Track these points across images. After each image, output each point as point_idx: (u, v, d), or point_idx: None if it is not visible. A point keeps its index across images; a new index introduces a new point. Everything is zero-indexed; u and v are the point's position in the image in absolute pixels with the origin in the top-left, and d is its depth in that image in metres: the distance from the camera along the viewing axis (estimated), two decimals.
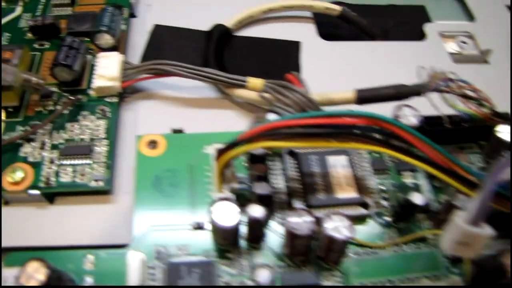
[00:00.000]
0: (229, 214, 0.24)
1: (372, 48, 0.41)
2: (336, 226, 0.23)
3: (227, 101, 0.36)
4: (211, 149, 0.30)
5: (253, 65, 0.39)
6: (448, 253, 0.24)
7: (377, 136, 0.25)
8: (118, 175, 0.31)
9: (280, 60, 0.40)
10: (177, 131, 0.32)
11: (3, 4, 0.41)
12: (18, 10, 0.41)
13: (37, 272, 0.22)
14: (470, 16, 0.46)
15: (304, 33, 0.42)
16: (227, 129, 0.30)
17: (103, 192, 0.30)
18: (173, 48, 0.40)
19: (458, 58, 0.42)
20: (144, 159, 0.30)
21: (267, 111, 0.32)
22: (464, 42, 0.42)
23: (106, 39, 0.36)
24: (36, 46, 0.38)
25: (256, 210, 0.24)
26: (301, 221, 0.23)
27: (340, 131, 0.25)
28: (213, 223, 0.24)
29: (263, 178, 0.27)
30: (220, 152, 0.26)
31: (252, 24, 0.42)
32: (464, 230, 0.21)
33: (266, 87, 0.32)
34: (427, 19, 0.46)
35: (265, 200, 0.25)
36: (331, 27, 0.44)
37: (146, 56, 0.39)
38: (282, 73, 0.34)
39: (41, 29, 0.38)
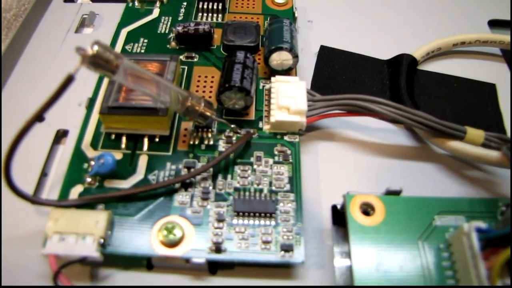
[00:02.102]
0: None
1: None
2: None
3: (423, 151, 0.28)
4: (443, 221, 0.22)
5: (444, 107, 0.31)
6: None
7: None
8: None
9: (476, 104, 0.31)
10: (394, 193, 0.23)
11: (138, 4, 0.33)
12: (155, 12, 0.33)
13: None
14: None
15: (495, 73, 0.33)
16: (430, 189, 0.25)
17: (287, 265, 0.22)
18: (347, 76, 0.31)
19: None
20: (359, 228, 0.21)
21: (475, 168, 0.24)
22: None
23: (285, 59, 0.27)
24: (182, 58, 0.30)
25: None
26: None
27: None
28: None
29: None
30: (498, 241, 0.18)
31: (437, 58, 0.34)
32: None
33: (488, 141, 0.24)
34: None
35: None
36: None
37: (317, 83, 0.30)
38: (479, 121, 0.28)
39: (191, 38, 0.30)
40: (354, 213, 0.22)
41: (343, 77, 0.31)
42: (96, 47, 0.19)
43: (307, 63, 0.32)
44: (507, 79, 0.33)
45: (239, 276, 0.22)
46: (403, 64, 0.31)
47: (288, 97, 0.26)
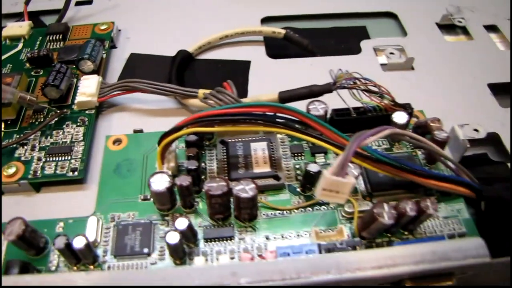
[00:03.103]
0: (162, 182, 0.32)
1: (311, 63, 0.49)
2: (243, 188, 0.31)
3: (183, 110, 0.44)
4: None
5: (210, 82, 0.47)
6: (319, 199, 0.31)
7: (280, 120, 0.32)
8: (91, 169, 0.39)
9: (232, 77, 0.47)
10: (137, 131, 0.40)
11: (7, 41, 0.51)
12: (20, 45, 0.51)
13: (17, 227, 0.30)
14: (404, 33, 0.54)
15: (255, 54, 0.50)
16: None
17: (77, 181, 0.38)
18: (144, 71, 0.48)
19: (386, 67, 0.49)
20: (109, 153, 0.38)
21: None
22: (392, 53, 0.50)
23: (87, 64, 0.45)
24: (32, 73, 0.47)
25: (184, 179, 0.32)
26: (215, 185, 0.31)
27: (252, 118, 0.33)
28: (150, 190, 0.32)
29: (194, 157, 0.34)
30: (162, 137, 0.34)
31: (212, 49, 0.51)
32: (329, 179, 0.28)
33: (207, 94, 0.40)
34: (367, 37, 0.54)
35: (193, 173, 0.33)
36: (279, 48, 0.52)
37: (121, 78, 0.47)
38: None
39: (36, 59, 0.47)
40: (109, 145, 0.39)
41: (141, 72, 0.48)
42: None
43: (121, 66, 0.49)
44: (264, 56, 0.50)
45: (53, 192, 0.39)
46: (178, 57, 0.48)
47: (86, 87, 0.43)
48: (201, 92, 0.42)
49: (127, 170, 0.37)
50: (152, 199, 0.34)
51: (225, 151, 0.36)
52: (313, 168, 0.33)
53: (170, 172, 0.33)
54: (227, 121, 0.33)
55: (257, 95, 0.41)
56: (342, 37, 0.55)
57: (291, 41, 0.51)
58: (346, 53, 0.51)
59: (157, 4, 0.58)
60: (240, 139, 0.37)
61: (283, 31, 0.50)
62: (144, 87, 0.43)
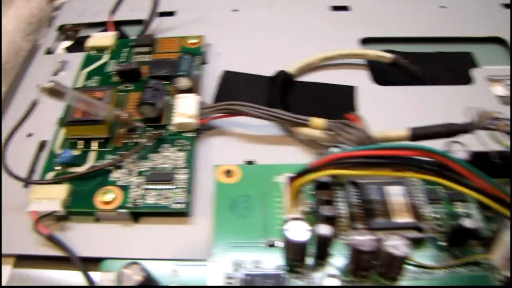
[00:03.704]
0: (301, 231, 0.27)
1: (422, 92, 0.44)
2: (395, 244, 0.26)
3: (290, 138, 0.40)
4: (281, 178, 0.34)
5: (313, 107, 0.43)
6: (500, 269, 0.27)
7: (430, 167, 0.28)
8: (195, 200, 0.35)
9: (337, 103, 0.44)
10: (249, 162, 0.36)
11: (94, 52, 0.47)
12: (105, 57, 0.47)
13: (135, 274, 0.26)
14: None
15: (359, 79, 0.46)
16: (292, 162, 0.34)
17: (182, 214, 0.34)
18: (240, 91, 0.44)
19: (506, 100, 0.44)
20: (221, 186, 0.34)
21: (326, 147, 0.35)
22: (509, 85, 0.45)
23: (184, 82, 0.40)
24: (121, 88, 0.43)
25: (325, 229, 0.27)
26: (365, 239, 0.26)
27: (397, 162, 0.28)
28: (287, 239, 0.27)
29: (329, 202, 0.30)
30: (293, 179, 0.30)
31: (311, 71, 0.47)
32: None
33: (328, 125, 0.36)
34: (474, 65, 0.49)
35: (330, 221, 0.29)
36: (383, 73, 0.47)
37: (217, 98, 0.43)
38: (339, 115, 0.38)
39: (126, 73, 0.43)
40: (219, 176, 0.34)
41: (237, 92, 0.44)
42: (50, 83, 0.33)
43: (214, 84, 0.45)
44: (368, 81, 0.46)
45: (153, 223, 0.35)
46: (279, 78, 0.44)
47: (184, 107, 0.39)
48: (316, 121, 0.38)
49: (244, 208, 0.32)
50: (284, 249, 0.30)
51: (358, 194, 0.32)
52: (469, 224, 0.29)
53: (304, 219, 0.29)
54: (372, 165, 0.28)
55: (383, 131, 0.36)
56: (448, 64, 0.50)
57: (399, 66, 0.46)
58: (455, 82, 0.47)
59: (246, 18, 0.54)
60: (372, 181, 0.33)
61: (391, 56, 0.46)
62: (250, 112, 0.38)
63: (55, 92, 0.33)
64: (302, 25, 0.52)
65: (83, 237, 0.34)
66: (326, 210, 0.29)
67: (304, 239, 0.27)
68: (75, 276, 0.32)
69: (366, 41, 0.51)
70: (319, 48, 0.48)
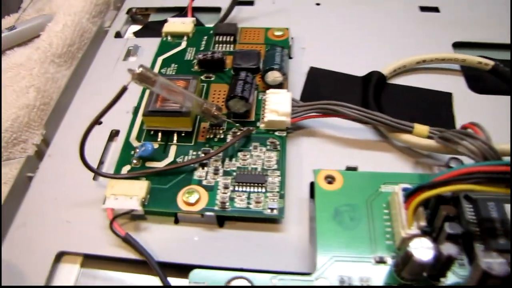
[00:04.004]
0: (424, 250, 0.24)
1: None
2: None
3: (386, 144, 0.36)
4: (388, 188, 0.30)
5: (406, 112, 0.39)
6: None
7: None
8: (286, 206, 0.32)
9: (433, 109, 0.40)
10: (350, 169, 0.32)
11: (170, 38, 0.44)
12: (183, 44, 0.44)
13: None
14: None
15: (453, 85, 0.42)
16: (390, 170, 0.32)
17: (274, 221, 0.31)
18: (329, 90, 0.41)
19: None
20: (322, 193, 0.30)
21: (425, 156, 0.33)
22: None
23: (276, 76, 0.37)
24: (202, 78, 0.40)
25: (451, 248, 0.24)
26: (494, 261, 0.23)
27: None
28: (410, 258, 0.24)
29: (452, 218, 0.27)
30: (413, 192, 0.26)
31: (403, 74, 0.43)
32: None
33: (448, 135, 0.32)
34: None
35: (454, 239, 0.25)
36: (480, 81, 0.43)
37: (305, 95, 0.40)
38: (435, 122, 0.35)
39: (209, 62, 0.40)
40: (320, 182, 0.31)
41: (326, 90, 0.40)
42: (141, 68, 0.30)
43: (299, 80, 0.41)
44: (464, 88, 0.42)
45: (240, 229, 0.31)
46: (373, 79, 0.40)
47: (277, 104, 0.35)
48: (420, 128, 0.34)
49: (350, 219, 0.29)
50: (400, 266, 0.26)
51: (473, 210, 0.28)
52: None
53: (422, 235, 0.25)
54: (497, 180, 0.24)
55: (499, 143, 0.32)
56: None
57: (498, 75, 0.42)
58: None
59: (328, 12, 0.50)
60: (489, 196, 0.29)
61: (491, 63, 0.42)
62: (349, 113, 0.35)
63: (145, 77, 0.30)
64: (389, 24, 0.49)
65: (161, 240, 0.31)
66: (450, 227, 0.25)
67: (428, 259, 0.23)
68: (144, 279, 0.30)
69: (459, 45, 0.47)
70: (409, 50, 0.44)
